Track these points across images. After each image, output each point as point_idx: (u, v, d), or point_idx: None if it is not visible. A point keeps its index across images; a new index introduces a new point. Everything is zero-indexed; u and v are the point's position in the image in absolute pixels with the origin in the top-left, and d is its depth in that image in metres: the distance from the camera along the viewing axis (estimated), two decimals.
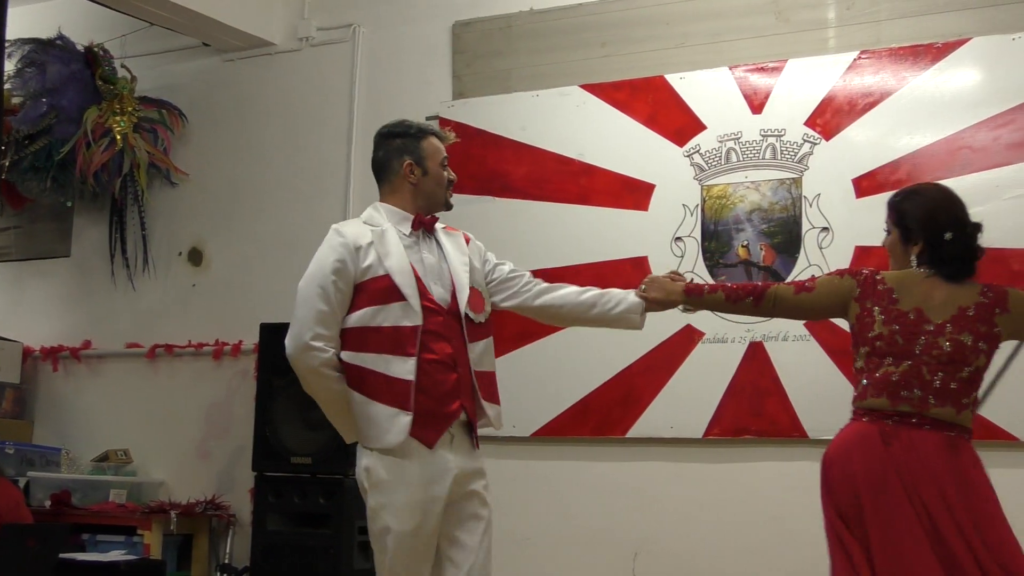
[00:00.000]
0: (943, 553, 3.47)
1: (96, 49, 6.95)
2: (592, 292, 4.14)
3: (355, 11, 6.64)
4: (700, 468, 5.45)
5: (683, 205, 5.59)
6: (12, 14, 5.57)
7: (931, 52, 5.20)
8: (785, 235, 5.38)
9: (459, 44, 6.27)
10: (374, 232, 3.92)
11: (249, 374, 6.40)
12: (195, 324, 6.77)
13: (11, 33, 5.87)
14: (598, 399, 5.59)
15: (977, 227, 3.73)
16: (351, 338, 3.85)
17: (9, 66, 6.47)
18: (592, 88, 5.86)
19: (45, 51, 6.90)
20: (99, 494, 6.47)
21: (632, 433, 5.54)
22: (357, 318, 3.84)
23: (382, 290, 3.83)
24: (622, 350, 5.51)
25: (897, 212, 3.81)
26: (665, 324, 5.43)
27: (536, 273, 5.72)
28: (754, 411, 5.30)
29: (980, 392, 3.73)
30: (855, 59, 5.35)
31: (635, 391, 5.55)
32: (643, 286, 4.11)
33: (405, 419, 3.74)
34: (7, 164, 6.71)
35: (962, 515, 3.50)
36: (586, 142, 5.83)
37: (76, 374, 7.13)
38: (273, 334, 5.95)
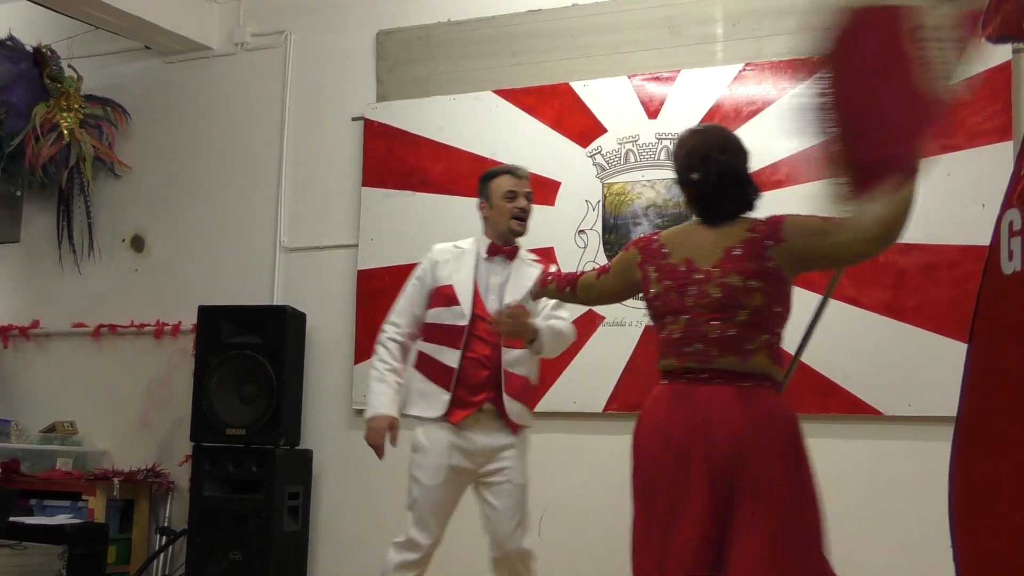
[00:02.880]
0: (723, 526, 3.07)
1: (44, 50, 6.82)
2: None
3: (287, 19, 6.58)
4: (600, 439, 5.48)
5: (586, 201, 5.62)
6: None
7: (807, 65, 5.25)
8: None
9: (382, 51, 6.24)
10: (454, 252, 4.43)
11: (188, 352, 6.33)
12: (137, 306, 6.68)
13: None
14: None
15: (730, 164, 3.29)
16: (423, 330, 4.41)
17: None
18: (504, 93, 5.86)
19: None
20: (46, 462, 6.39)
21: (539, 408, 5.51)
22: (430, 315, 4.39)
23: (446, 296, 4.35)
24: None
25: (673, 163, 3.44)
26: (569, 309, 5.46)
27: None
28: (649, 388, 5.32)
29: (797, 340, 3.37)
30: (740, 71, 5.40)
31: (541, 369, 5.54)
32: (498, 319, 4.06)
33: (444, 397, 4.28)
34: None
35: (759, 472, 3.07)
36: (498, 142, 5.82)
37: (25, 351, 7.00)
38: (210, 315, 5.92)
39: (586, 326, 5.49)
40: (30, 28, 6.92)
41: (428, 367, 4.37)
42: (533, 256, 4.56)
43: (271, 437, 5.74)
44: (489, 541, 4.39)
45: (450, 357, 4.30)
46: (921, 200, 4.88)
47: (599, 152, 5.61)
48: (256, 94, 6.60)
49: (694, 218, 3.38)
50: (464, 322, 4.30)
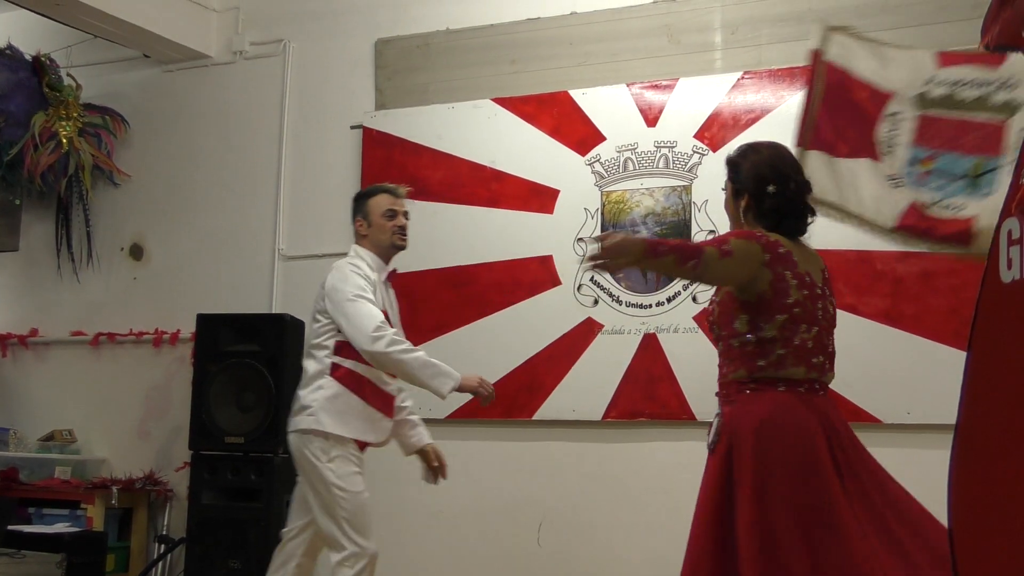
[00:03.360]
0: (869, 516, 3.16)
1: (43, 58, 6.82)
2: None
3: (286, 27, 6.58)
4: (599, 447, 5.48)
5: (585, 209, 5.61)
6: None
7: (806, 73, 5.26)
8: (676, 237, 5.40)
9: (381, 59, 6.24)
10: (367, 272, 4.49)
11: (186, 360, 6.32)
12: (136, 314, 6.68)
13: None
14: (506, 385, 5.58)
15: (803, 185, 3.48)
16: (348, 349, 4.39)
17: None
18: (502, 101, 5.86)
19: None
20: (45, 471, 6.38)
21: (537, 416, 5.55)
22: None
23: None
24: (527, 341, 5.54)
25: (730, 166, 3.56)
26: (566, 318, 5.48)
27: (452, 270, 5.83)
28: (647, 396, 5.34)
29: None
30: (739, 79, 5.40)
31: (539, 378, 5.56)
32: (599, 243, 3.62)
33: (387, 424, 4.54)
34: None
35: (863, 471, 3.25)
36: (497, 151, 5.83)
37: (24, 360, 6.99)
38: (209, 323, 5.91)
39: (584, 334, 5.50)
40: (29, 37, 6.93)
41: (369, 391, 4.45)
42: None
43: (270, 445, 5.72)
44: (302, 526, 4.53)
45: (390, 384, 4.52)
46: None
47: (598, 160, 5.61)
48: (255, 102, 6.60)
49: (753, 224, 3.44)
50: None
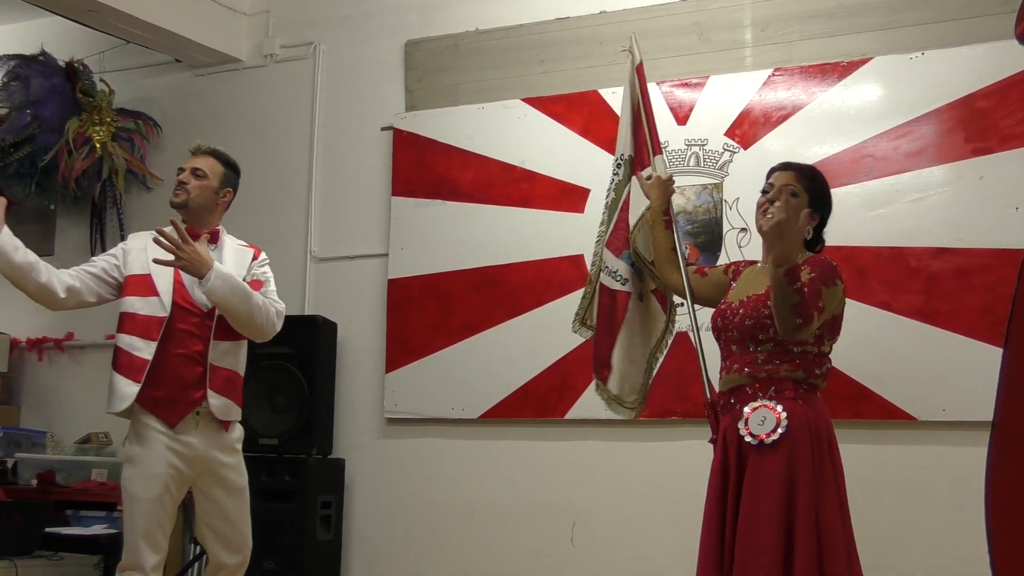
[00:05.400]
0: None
1: (76, 64, 6.86)
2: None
3: (316, 30, 6.60)
4: (631, 446, 5.46)
5: None
6: None
7: (837, 70, 5.23)
8: (708, 235, 5.39)
9: (411, 61, 6.24)
10: (149, 240, 4.33)
11: None
12: None
13: None
14: (538, 384, 5.58)
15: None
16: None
17: None
18: (532, 101, 5.85)
19: (29, 66, 6.82)
20: (81, 473, 6.41)
21: (570, 415, 5.54)
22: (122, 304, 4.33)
23: (144, 286, 4.29)
24: (558, 341, 5.51)
25: (811, 180, 3.70)
26: None
27: (483, 270, 5.83)
28: (680, 395, 5.32)
29: None
30: (769, 76, 5.37)
31: (570, 378, 5.54)
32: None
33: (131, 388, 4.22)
34: None
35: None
36: (527, 150, 5.82)
37: (60, 363, 7.04)
38: None
39: None
40: (62, 43, 6.96)
41: (116, 361, 4.32)
42: (242, 242, 4.61)
43: (303, 446, 5.75)
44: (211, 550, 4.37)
45: (139, 349, 4.27)
46: (953, 204, 4.91)
47: None
48: (286, 105, 6.62)
49: (800, 246, 3.60)
50: (164, 313, 4.27)
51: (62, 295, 4.29)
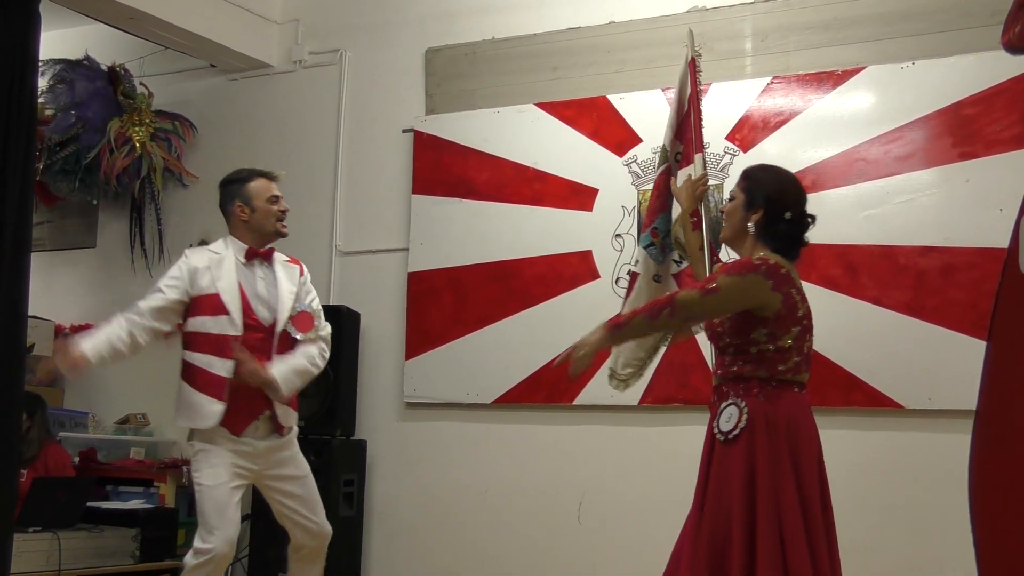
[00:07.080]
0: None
1: (118, 68, 6.87)
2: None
3: (342, 38, 6.59)
4: (635, 431, 5.45)
5: (622, 206, 5.58)
6: (44, 38, 5.52)
7: (832, 78, 5.21)
8: (709, 234, 5.37)
9: (431, 67, 6.23)
10: (212, 259, 4.28)
11: None
12: None
13: (44, 54, 5.80)
14: (548, 372, 5.57)
15: (812, 219, 3.53)
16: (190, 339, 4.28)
17: (42, 83, 6.38)
18: (545, 106, 5.83)
19: (73, 70, 6.83)
20: (121, 452, 6.45)
21: (578, 401, 5.53)
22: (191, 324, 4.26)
23: (213, 305, 4.21)
24: (568, 332, 5.42)
25: (749, 179, 3.59)
26: (605, 310, 5.43)
27: (497, 264, 5.82)
28: (681, 383, 5.31)
29: None
30: (768, 83, 5.34)
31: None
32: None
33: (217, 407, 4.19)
34: (41, 167, 6.61)
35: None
36: (539, 152, 5.80)
37: None
38: None
39: None
40: (105, 49, 6.98)
41: (192, 376, 4.28)
42: (285, 257, 4.54)
43: (328, 428, 5.76)
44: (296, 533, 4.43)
45: (217, 366, 4.22)
46: (941, 205, 4.89)
47: (634, 161, 5.57)
48: (313, 108, 6.62)
49: (756, 240, 3.52)
50: (237, 331, 4.23)
51: (146, 343, 4.34)
